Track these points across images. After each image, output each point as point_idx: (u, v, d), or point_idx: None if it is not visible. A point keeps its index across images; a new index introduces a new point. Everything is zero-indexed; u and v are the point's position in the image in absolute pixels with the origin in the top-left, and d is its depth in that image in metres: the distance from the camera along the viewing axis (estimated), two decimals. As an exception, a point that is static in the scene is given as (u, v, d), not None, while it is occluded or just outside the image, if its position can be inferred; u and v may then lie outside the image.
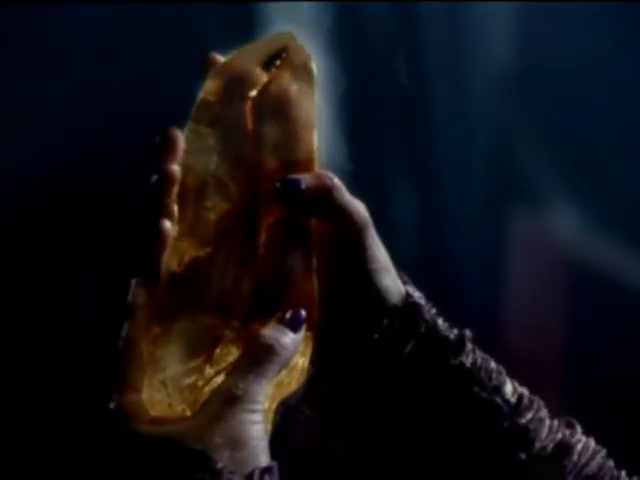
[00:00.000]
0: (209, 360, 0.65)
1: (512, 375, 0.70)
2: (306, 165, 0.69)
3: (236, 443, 0.59)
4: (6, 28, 0.97)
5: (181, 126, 0.68)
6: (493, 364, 0.69)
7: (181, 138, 0.67)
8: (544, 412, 0.69)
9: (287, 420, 0.66)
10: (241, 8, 0.83)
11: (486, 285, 1.10)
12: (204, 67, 0.69)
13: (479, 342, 0.70)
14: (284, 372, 0.64)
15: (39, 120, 0.98)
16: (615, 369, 1.08)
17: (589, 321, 1.09)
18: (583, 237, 1.10)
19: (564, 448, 0.67)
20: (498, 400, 0.67)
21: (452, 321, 0.71)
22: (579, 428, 0.70)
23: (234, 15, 0.86)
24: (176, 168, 0.66)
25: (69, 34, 0.96)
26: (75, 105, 0.97)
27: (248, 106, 0.69)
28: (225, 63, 0.69)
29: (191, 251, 0.67)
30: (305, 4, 0.74)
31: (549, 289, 1.11)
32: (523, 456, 0.67)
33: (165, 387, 0.63)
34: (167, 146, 0.66)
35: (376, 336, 0.68)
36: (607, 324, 1.08)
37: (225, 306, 0.66)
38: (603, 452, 0.69)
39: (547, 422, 0.68)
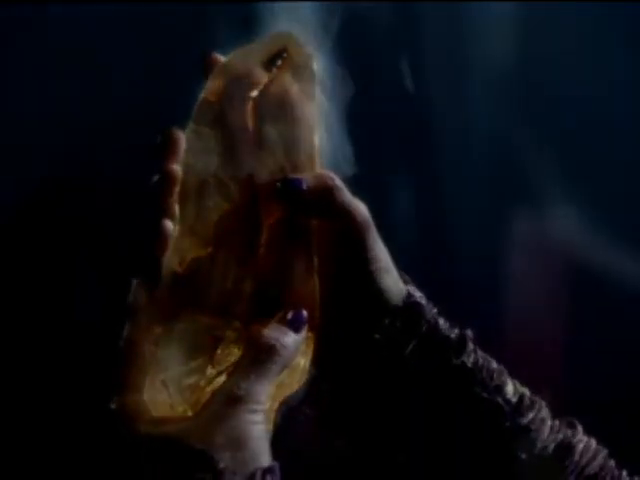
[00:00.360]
0: (210, 360, 0.65)
1: (512, 375, 0.70)
2: (307, 165, 0.68)
3: (238, 443, 0.59)
4: (6, 28, 0.97)
5: (182, 126, 0.68)
6: (494, 364, 0.69)
7: (182, 138, 0.67)
8: (545, 412, 0.68)
9: (288, 420, 0.66)
10: (242, 8, 0.83)
11: (486, 285, 1.10)
12: (205, 67, 0.69)
13: (479, 342, 0.70)
14: (285, 372, 0.64)
15: (39, 120, 0.97)
16: (616, 369, 1.08)
17: (589, 321, 1.09)
18: (583, 237, 1.10)
19: (565, 448, 0.67)
20: (499, 400, 0.67)
21: (452, 321, 0.71)
22: (580, 428, 0.70)
23: (235, 15, 0.86)
24: (177, 168, 0.66)
25: (70, 34, 0.96)
26: (75, 105, 0.97)
27: (249, 106, 0.69)
28: (226, 63, 0.69)
29: (192, 251, 0.67)
30: (306, 4, 0.74)
31: (549, 289, 1.11)
32: (524, 456, 0.66)
33: (166, 387, 0.63)
34: (168, 146, 0.66)
35: (377, 336, 0.68)
36: (607, 324, 1.08)
37: (226, 306, 0.66)
38: (604, 452, 0.69)
39: (548, 422, 0.68)
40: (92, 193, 0.98)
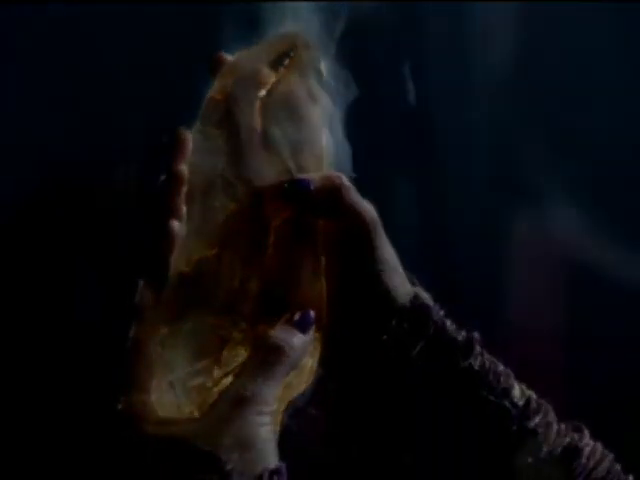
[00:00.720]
0: (217, 361, 0.65)
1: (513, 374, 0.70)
2: (314, 165, 0.68)
3: (245, 444, 0.59)
4: (7, 27, 0.97)
5: (187, 126, 0.68)
6: (501, 367, 0.68)
7: (189, 139, 0.66)
8: (552, 416, 0.68)
9: (294, 421, 0.65)
10: (246, 8, 0.83)
11: (487, 286, 1.10)
12: (212, 66, 0.69)
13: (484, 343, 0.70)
14: (293, 373, 0.63)
15: (39, 120, 0.97)
16: (616, 369, 1.08)
17: (590, 321, 1.09)
18: (584, 237, 1.10)
19: (572, 451, 0.67)
20: (506, 403, 0.67)
21: (453, 321, 0.70)
22: (587, 432, 0.69)
23: (240, 15, 0.85)
24: (185, 168, 0.66)
25: (70, 34, 0.96)
26: (77, 105, 0.97)
27: (256, 106, 0.68)
28: (233, 63, 0.69)
29: (198, 251, 0.66)
30: (309, 5, 0.73)
31: (550, 289, 1.11)
32: (531, 460, 0.66)
33: (173, 388, 0.63)
34: (176, 147, 0.66)
35: (384, 337, 0.67)
36: (607, 323, 1.08)
37: (232, 307, 0.66)
38: (611, 456, 0.68)
39: (555, 426, 0.68)
40: (94, 193, 0.98)
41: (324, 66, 0.71)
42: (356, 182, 0.70)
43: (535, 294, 1.11)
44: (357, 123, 0.72)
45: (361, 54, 0.94)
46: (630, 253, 1.10)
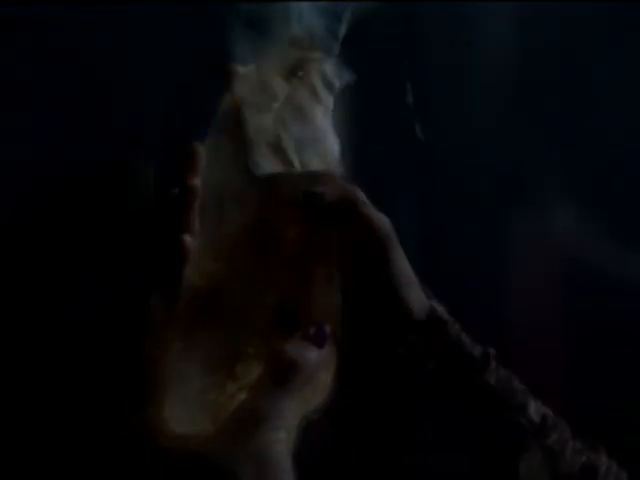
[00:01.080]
0: (231, 376, 0.64)
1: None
2: (329, 176, 0.68)
3: (260, 460, 0.58)
4: (9, 27, 0.96)
5: (194, 131, 0.67)
6: (517, 383, 0.68)
7: (202, 153, 0.66)
8: (568, 433, 0.68)
9: (306, 432, 0.65)
10: (249, 9, 0.82)
11: (487, 286, 1.10)
12: (225, 78, 0.68)
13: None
14: (307, 388, 0.63)
15: (41, 119, 0.97)
16: (616, 369, 1.08)
17: (590, 320, 1.10)
18: (584, 237, 1.11)
19: (589, 470, 0.67)
20: (522, 420, 0.66)
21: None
22: (603, 451, 0.69)
23: (243, 16, 0.85)
24: (198, 182, 0.65)
25: (78, 34, 0.95)
26: (79, 105, 0.96)
27: (269, 118, 0.68)
28: (246, 74, 0.69)
29: (211, 265, 0.66)
30: (311, 6, 0.73)
31: (550, 289, 1.11)
32: (547, 478, 0.66)
33: (187, 403, 0.63)
34: (189, 161, 0.65)
35: (400, 350, 0.67)
36: (607, 323, 1.09)
37: (246, 320, 0.66)
38: (625, 475, 0.68)
39: (571, 443, 0.67)
40: (94, 194, 0.97)
41: (327, 67, 0.71)
42: (356, 182, 0.69)
43: (535, 294, 1.11)
44: (358, 123, 0.72)
45: (362, 54, 0.94)
46: (630, 253, 1.11)
